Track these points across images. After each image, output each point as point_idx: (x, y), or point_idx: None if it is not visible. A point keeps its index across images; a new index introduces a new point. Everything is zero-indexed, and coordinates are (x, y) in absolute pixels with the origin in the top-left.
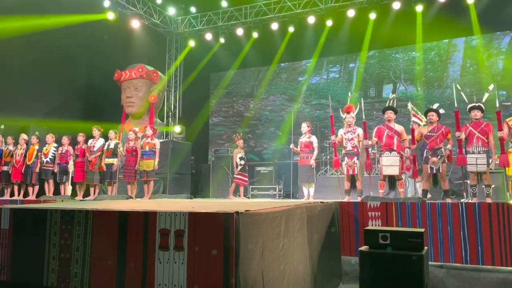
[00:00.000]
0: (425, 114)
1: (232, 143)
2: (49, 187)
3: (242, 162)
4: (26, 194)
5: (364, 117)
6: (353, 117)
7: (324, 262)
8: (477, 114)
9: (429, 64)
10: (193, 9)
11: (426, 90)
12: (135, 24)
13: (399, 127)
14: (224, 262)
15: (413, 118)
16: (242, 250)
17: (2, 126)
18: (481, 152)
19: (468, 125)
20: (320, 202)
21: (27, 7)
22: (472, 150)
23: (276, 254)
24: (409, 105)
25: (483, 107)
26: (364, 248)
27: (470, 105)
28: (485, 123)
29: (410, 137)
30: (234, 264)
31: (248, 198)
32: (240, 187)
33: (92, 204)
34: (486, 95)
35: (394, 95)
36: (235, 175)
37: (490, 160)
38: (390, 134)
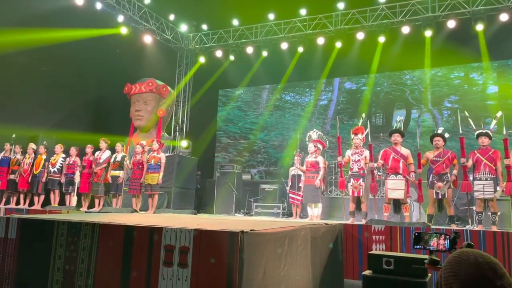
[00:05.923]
0: (431, 139)
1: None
2: (55, 197)
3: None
4: (31, 203)
5: (370, 139)
6: (360, 139)
7: (326, 284)
8: (484, 140)
9: (436, 88)
10: (204, 27)
11: (439, 115)
12: (147, 39)
13: (405, 151)
14: (227, 281)
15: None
16: (245, 269)
17: (14, 135)
18: (488, 179)
19: (475, 151)
20: (325, 223)
21: (43, 20)
22: (480, 176)
23: (277, 275)
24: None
25: (490, 133)
26: (367, 272)
27: (477, 132)
28: (493, 150)
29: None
30: (236, 284)
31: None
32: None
33: (98, 216)
34: (493, 122)
35: (402, 118)
36: (290, 195)
37: (498, 187)
38: (396, 157)
